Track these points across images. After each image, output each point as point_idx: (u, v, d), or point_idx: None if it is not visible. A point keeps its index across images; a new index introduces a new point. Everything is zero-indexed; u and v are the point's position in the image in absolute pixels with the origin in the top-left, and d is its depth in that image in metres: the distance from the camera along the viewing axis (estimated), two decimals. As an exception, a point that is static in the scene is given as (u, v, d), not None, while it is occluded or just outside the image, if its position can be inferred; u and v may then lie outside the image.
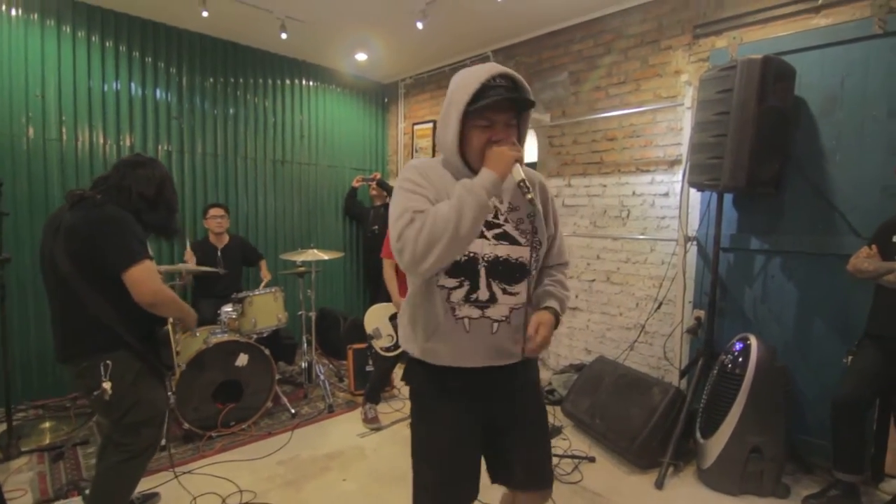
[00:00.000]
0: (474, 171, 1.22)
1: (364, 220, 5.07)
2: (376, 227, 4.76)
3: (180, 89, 4.01)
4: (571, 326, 3.83)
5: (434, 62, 4.75)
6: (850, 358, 2.33)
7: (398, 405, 3.46)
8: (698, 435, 2.57)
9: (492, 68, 1.21)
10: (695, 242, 3.09)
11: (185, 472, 2.48)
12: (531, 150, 4.06)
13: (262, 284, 3.89)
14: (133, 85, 3.77)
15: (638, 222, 3.43)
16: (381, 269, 3.14)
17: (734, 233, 2.95)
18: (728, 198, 2.90)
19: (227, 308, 3.24)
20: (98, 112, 3.60)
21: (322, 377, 3.64)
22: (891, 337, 2.17)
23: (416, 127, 5.15)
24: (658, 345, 3.30)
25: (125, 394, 1.79)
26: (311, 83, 4.87)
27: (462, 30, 3.92)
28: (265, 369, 3.11)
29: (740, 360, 2.47)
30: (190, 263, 3.52)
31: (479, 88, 1.18)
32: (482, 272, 1.25)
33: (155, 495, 2.29)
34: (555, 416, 3.12)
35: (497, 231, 1.28)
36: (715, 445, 2.44)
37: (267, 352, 3.10)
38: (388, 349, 3.24)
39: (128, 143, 3.75)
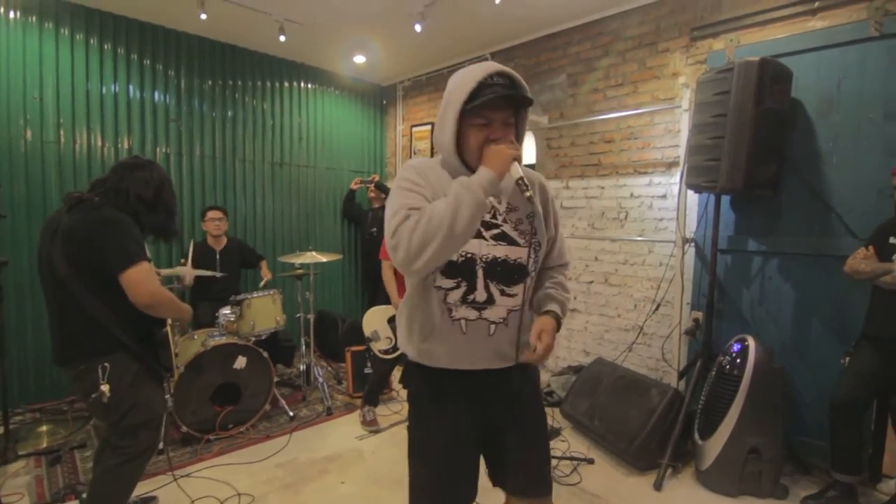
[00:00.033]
0: (472, 171, 1.19)
1: (362, 223, 5.06)
2: (375, 229, 4.75)
3: (179, 92, 4.01)
4: (570, 328, 3.83)
5: (432, 64, 4.76)
6: (847, 359, 2.34)
7: (397, 408, 3.46)
8: (697, 436, 2.57)
9: (489, 66, 1.19)
10: (692, 244, 3.10)
11: (183, 476, 2.47)
12: (529, 152, 4.06)
13: (262, 283, 3.87)
14: (131, 87, 3.76)
15: (636, 224, 3.43)
16: (380, 272, 3.14)
17: (732, 234, 2.96)
18: (725, 199, 2.91)
19: (226, 310, 3.24)
20: (96, 114, 3.60)
21: (320, 380, 3.63)
22: (888, 338, 2.18)
23: (414, 129, 5.15)
24: (656, 346, 3.30)
25: (123, 396, 1.79)
26: (309, 85, 4.88)
27: (460, 32, 3.93)
28: (263, 372, 3.11)
29: (738, 361, 2.47)
30: (187, 268, 3.50)
31: (477, 86, 1.16)
32: (480, 273, 1.23)
33: (153, 499, 2.29)
34: (553, 417, 3.12)
35: (495, 231, 1.26)
36: (713, 447, 2.44)
37: (265, 354, 3.10)
38: (386, 351, 3.22)
39: (126, 145, 3.75)
